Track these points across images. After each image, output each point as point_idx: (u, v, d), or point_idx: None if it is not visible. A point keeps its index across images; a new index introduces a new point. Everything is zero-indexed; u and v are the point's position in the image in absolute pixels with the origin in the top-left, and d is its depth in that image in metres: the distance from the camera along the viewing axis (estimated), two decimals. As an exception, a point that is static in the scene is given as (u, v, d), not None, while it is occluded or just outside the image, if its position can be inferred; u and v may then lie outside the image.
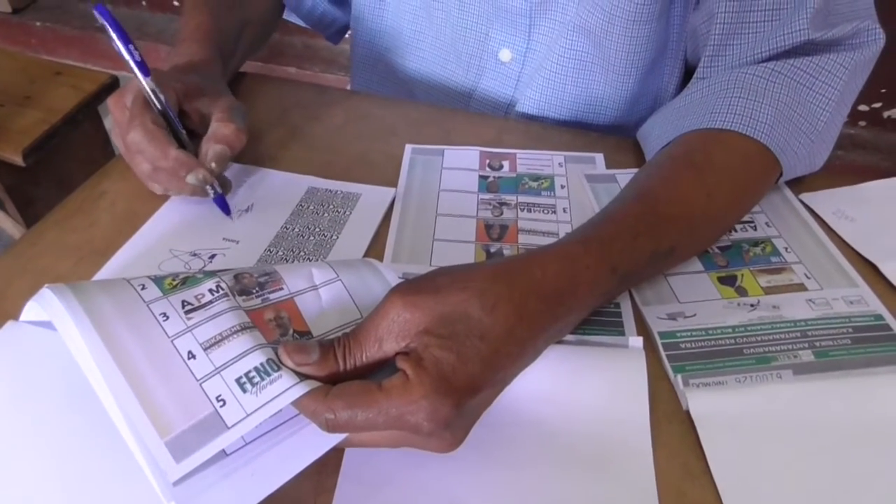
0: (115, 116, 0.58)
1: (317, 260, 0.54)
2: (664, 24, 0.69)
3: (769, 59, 0.59)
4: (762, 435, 0.43)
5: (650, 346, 0.49)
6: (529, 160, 0.67)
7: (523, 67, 0.75)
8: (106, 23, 0.53)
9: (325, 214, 0.59)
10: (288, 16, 0.88)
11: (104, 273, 0.53)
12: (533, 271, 0.43)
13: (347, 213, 0.59)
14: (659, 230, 0.49)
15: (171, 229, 0.56)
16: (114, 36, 0.53)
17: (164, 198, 0.61)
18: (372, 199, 0.61)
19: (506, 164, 0.67)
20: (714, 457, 0.43)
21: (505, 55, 0.75)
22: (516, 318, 0.40)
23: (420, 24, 0.78)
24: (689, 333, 0.50)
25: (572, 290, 0.44)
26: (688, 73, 0.73)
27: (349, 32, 0.89)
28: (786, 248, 0.57)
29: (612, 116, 0.76)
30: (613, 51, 0.69)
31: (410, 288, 0.40)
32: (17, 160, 1.16)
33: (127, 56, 0.54)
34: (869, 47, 0.59)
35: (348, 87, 0.93)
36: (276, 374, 0.38)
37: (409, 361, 0.38)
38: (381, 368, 0.40)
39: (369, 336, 0.39)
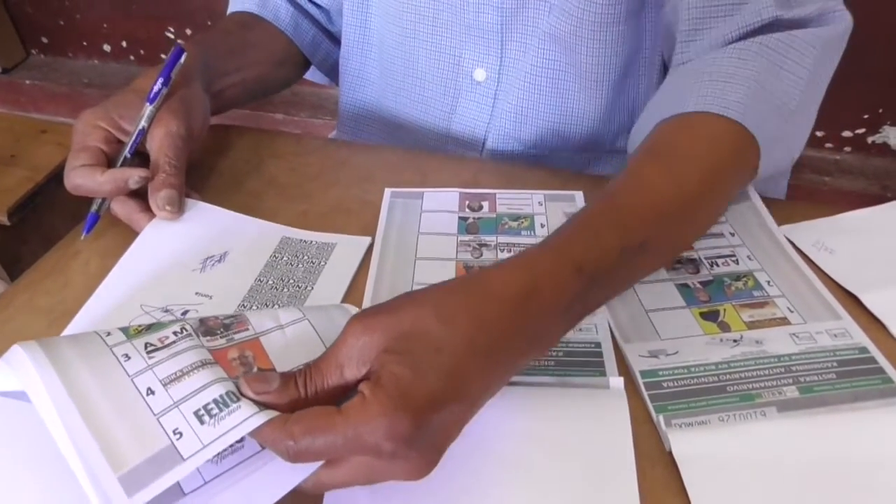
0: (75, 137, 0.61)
1: (291, 311, 0.54)
2: (633, 27, 0.70)
3: (738, 40, 0.59)
4: (747, 475, 0.42)
5: (632, 386, 0.48)
6: (509, 200, 0.67)
7: (499, 85, 0.76)
8: (171, 60, 0.62)
9: (300, 265, 0.58)
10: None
11: (73, 330, 0.52)
12: (489, 280, 0.42)
13: (322, 263, 0.59)
14: (624, 223, 0.47)
15: (141, 283, 0.55)
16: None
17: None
18: (347, 248, 0.60)
19: (486, 204, 0.67)
20: (698, 499, 0.41)
21: (479, 75, 0.76)
22: (475, 328, 0.39)
23: (395, 56, 0.80)
24: (670, 371, 0.49)
25: (534, 294, 0.42)
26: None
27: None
28: (768, 282, 0.56)
29: (588, 127, 0.76)
30: (585, 55, 0.71)
31: (369, 312, 0.40)
32: (3, 219, 1.16)
33: (156, 86, 0.61)
34: (835, 26, 0.59)
35: (335, 132, 0.94)
36: (234, 406, 0.37)
37: (368, 383, 0.37)
38: (346, 397, 0.39)
39: (330, 363, 0.39)
